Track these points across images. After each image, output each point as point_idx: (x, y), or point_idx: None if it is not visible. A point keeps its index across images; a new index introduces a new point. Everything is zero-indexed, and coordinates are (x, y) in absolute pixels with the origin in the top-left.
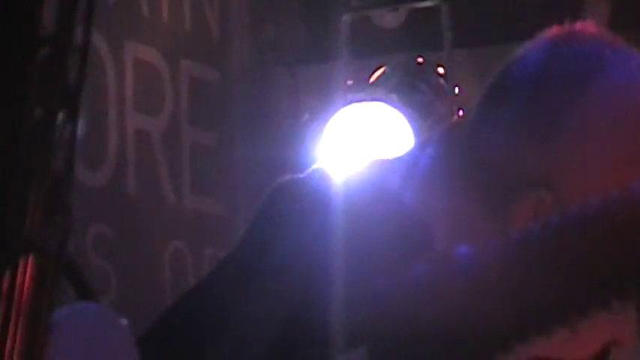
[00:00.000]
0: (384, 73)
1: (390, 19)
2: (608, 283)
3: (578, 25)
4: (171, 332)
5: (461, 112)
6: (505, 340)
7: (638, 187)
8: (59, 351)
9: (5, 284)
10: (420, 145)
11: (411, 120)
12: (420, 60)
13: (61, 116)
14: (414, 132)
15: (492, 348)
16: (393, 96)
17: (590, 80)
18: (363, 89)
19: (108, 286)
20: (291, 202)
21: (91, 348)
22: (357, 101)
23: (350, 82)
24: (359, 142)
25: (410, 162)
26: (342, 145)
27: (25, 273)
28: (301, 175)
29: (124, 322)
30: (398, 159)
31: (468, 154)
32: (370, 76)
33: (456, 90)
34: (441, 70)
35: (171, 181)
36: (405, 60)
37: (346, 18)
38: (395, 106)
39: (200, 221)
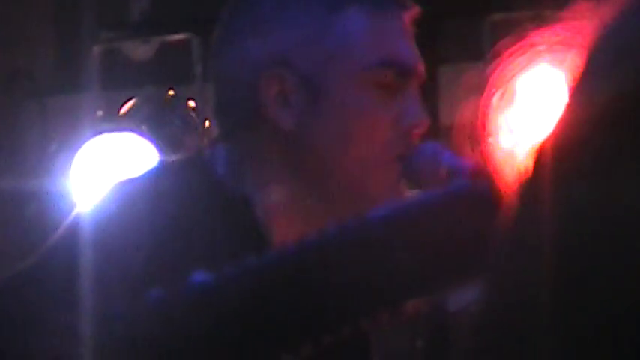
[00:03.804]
0: (134, 104)
1: (141, 51)
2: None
3: None
4: None
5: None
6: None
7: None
8: None
9: None
10: None
11: (161, 152)
12: (172, 93)
13: None
14: None
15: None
16: (144, 127)
17: None
18: (114, 120)
19: None
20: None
21: None
22: (107, 132)
23: (100, 113)
24: (110, 173)
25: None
26: (93, 176)
27: None
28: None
29: None
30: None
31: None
32: (121, 108)
33: (207, 123)
34: (192, 103)
35: None
36: (156, 92)
37: (97, 49)
38: (145, 137)
39: None
